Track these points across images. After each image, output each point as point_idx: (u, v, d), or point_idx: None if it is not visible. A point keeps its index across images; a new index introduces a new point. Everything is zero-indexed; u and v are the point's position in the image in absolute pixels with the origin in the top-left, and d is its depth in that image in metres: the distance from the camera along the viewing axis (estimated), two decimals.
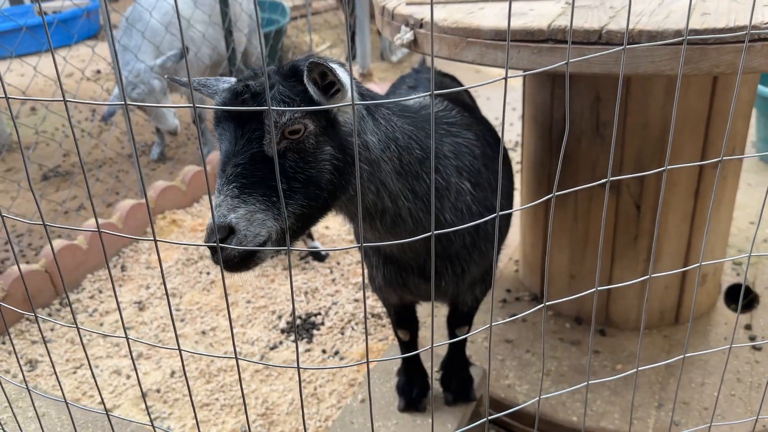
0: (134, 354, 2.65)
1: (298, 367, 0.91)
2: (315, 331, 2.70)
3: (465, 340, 2.08)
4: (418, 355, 2.06)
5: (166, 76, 1.75)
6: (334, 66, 1.23)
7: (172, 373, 2.52)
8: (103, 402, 1.18)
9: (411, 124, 1.50)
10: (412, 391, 1.98)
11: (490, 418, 1.14)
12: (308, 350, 2.60)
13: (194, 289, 3.02)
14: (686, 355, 1.29)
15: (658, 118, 2.03)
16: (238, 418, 2.30)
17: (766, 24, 1.37)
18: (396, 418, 1.94)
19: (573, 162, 2.20)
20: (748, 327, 2.36)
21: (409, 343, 2.01)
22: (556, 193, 1.13)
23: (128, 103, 0.78)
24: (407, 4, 1.93)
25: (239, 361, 2.48)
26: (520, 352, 2.32)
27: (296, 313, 2.81)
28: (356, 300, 2.87)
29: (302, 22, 7.10)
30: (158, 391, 2.44)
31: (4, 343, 2.74)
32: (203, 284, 3.05)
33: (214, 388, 2.44)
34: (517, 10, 1.72)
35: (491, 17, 1.68)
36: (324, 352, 2.58)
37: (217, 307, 2.89)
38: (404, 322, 1.96)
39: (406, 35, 1.81)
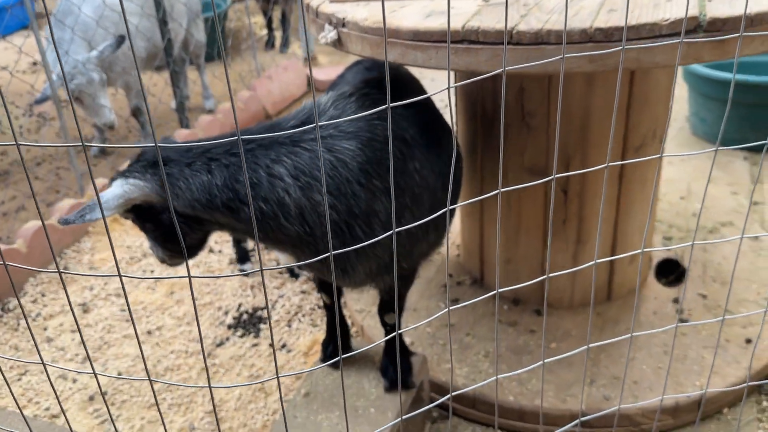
0: (80, 358, 2.64)
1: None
2: (262, 325, 2.73)
3: (398, 328, 2.12)
4: (341, 316, 2.29)
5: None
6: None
7: (119, 374, 2.52)
8: (63, 411, 1.19)
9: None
10: (328, 346, 2.26)
11: (432, 404, 1.19)
12: (255, 345, 2.63)
13: (138, 288, 3.01)
14: (633, 334, 1.37)
15: (579, 107, 2.09)
16: (186, 417, 2.33)
17: (665, 20, 1.43)
18: (339, 410, 1.99)
19: (503, 150, 2.26)
20: (675, 301, 2.48)
21: (330, 306, 2.21)
22: (502, 189, 1.19)
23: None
24: (330, 1, 1.94)
25: (193, 357, 2.49)
26: (460, 336, 2.40)
27: (241, 309, 2.83)
28: (303, 292, 2.90)
29: (242, 6, 6.98)
30: (106, 393, 2.44)
31: None
32: (148, 283, 3.04)
33: (161, 388, 2.45)
34: (436, 9, 1.75)
35: (411, 17, 1.70)
36: (271, 345, 2.62)
37: (162, 306, 2.89)
38: (325, 288, 2.13)
39: (330, 34, 1.83)
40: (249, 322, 2.76)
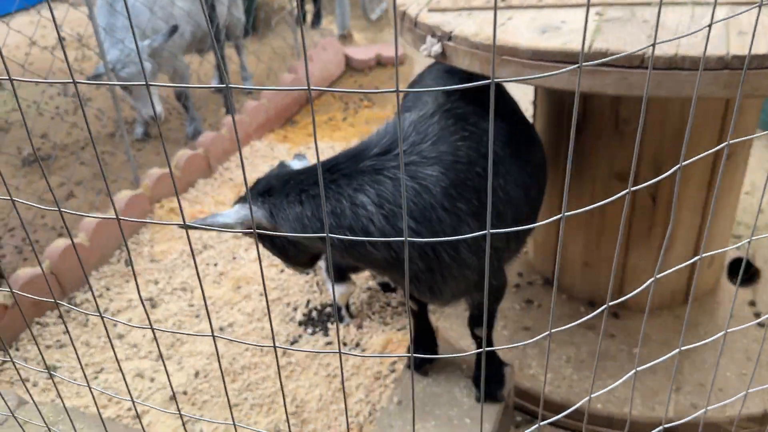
0: (154, 355, 2.66)
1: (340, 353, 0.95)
2: (329, 324, 2.74)
3: (490, 341, 2.13)
4: (427, 322, 2.23)
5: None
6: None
7: (197, 374, 2.54)
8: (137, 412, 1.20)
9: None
10: (416, 353, 2.19)
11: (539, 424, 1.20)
12: (329, 343, 2.65)
13: (204, 282, 3.02)
14: (682, 348, 1.37)
15: (676, 114, 2.06)
16: (269, 418, 2.36)
17: None
18: (433, 419, 2.01)
19: (591, 157, 2.23)
20: (752, 303, 2.48)
21: (416, 312, 2.18)
22: (566, 214, 1.17)
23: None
24: (429, 10, 1.90)
25: (269, 355, 2.52)
26: (539, 340, 2.41)
27: (310, 305, 2.84)
28: (369, 288, 2.91)
29: None
30: (185, 393, 2.47)
31: (18, 350, 2.72)
32: (212, 277, 3.05)
33: (240, 387, 2.48)
34: (548, 23, 1.71)
35: (525, 32, 1.66)
36: (345, 344, 2.64)
37: (230, 301, 2.90)
38: (414, 297, 2.07)
39: (434, 48, 1.79)
40: (318, 320, 2.77)
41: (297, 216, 1.58)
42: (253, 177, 3.72)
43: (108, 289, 3.02)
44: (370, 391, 2.41)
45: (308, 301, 2.86)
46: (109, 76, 3.35)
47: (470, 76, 1.83)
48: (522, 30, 1.68)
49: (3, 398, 1.73)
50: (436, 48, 1.79)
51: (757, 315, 2.42)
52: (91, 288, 1.01)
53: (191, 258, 3.10)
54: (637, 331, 2.40)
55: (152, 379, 2.55)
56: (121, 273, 3.12)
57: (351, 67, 5.24)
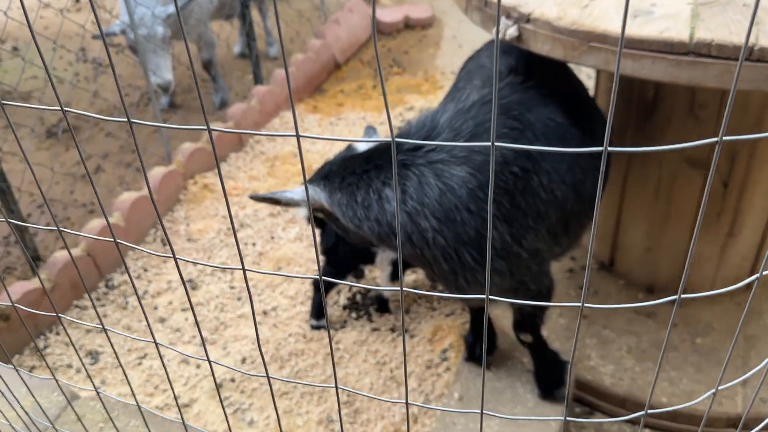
0: (198, 340, 2.61)
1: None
2: (372, 308, 2.67)
3: (541, 343, 2.04)
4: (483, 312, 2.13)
5: None
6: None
7: (243, 360, 2.50)
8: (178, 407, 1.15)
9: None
10: (475, 347, 2.19)
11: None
12: (375, 329, 2.59)
13: (245, 262, 2.95)
14: None
15: (758, 101, 1.94)
16: (321, 407, 2.31)
17: None
18: (498, 418, 1.95)
19: (660, 140, 2.12)
20: None
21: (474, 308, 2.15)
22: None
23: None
24: None
25: (315, 342, 2.44)
26: (597, 328, 2.34)
27: (353, 289, 2.78)
28: (413, 271, 2.83)
29: None
30: (233, 380, 2.43)
31: (58, 333, 2.68)
32: (252, 257, 2.99)
33: (289, 374, 2.43)
34: (638, 5, 1.58)
35: (614, 16, 1.53)
36: (393, 330, 2.58)
37: (272, 283, 2.84)
38: None
39: (510, 30, 1.66)
40: (363, 304, 2.71)
41: (336, 202, 1.64)
42: (285, 150, 3.62)
43: (146, 270, 2.96)
44: (422, 380, 2.36)
45: (350, 286, 2.78)
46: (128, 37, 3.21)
47: (539, 58, 1.69)
48: (611, 13, 1.55)
49: (63, 391, 1.70)
50: (512, 31, 1.66)
51: None
52: (130, 276, 0.93)
53: (229, 237, 3.03)
54: (698, 319, 2.33)
55: (198, 365, 2.50)
56: (159, 251, 3.05)
57: (378, 30, 5.06)
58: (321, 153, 3.64)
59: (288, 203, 1.73)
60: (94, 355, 2.59)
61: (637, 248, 2.40)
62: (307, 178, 1.89)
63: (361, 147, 1.80)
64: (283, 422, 2.27)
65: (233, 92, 4.32)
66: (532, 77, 1.75)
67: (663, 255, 2.36)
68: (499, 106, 1.65)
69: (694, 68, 1.41)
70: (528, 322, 1.94)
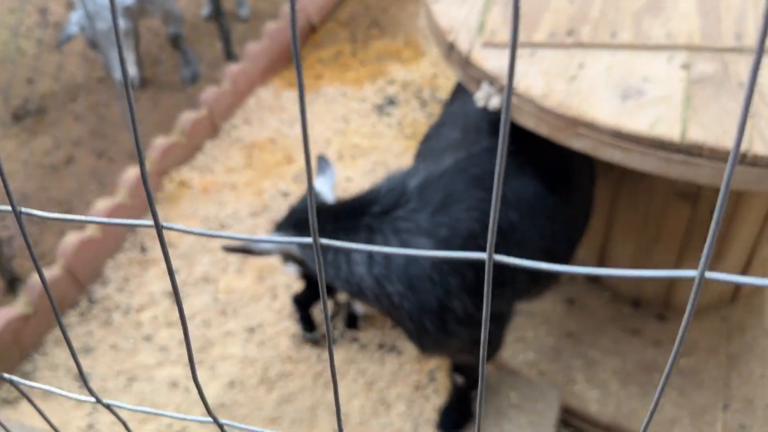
0: (186, 359, 2.61)
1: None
2: (361, 323, 2.66)
3: (468, 386, 2.12)
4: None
5: None
6: None
7: (231, 384, 2.51)
8: None
9: None
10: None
11: None
12: (363, 346, 2.59)
13: (227, 272, 2.91)
14: None
15: None
16: None
17: None
18: None
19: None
20: None
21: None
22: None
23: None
24: (484, 45, 1.64)
25: (303, 363, 2.44)
26: (583, 348, 2.35)
27: (337, 302, 2.75)
28: None
29: None
30: (222, 405, 2.45)
31: (45, 354, 2.67)
32: (236, 266, 2.94)
33: (278, 398, 2.45)
34: (629, 80, 1.47)
35: (602, 95, 1.44)
36: (380, 347, 2.58)
37: (256, 295, 2.81)
38: None
39: (492, 100, 1.56)
40: (347, 320, 2.69)
41: (309, 254, 1.71)
42: (262, 136, 3.50)
43: (127, 281, 2.92)
44: (411, 402, 2.39)
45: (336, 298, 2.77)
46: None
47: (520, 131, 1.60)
48: (600, 89, 1.45)
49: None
50: (495, 102, 1.55)
51: None
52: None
53: (210, 242, 2.97)
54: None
55: (187, 389, 2.51)
56: (138, 261, 2.99)
57: None
58: (300, 138, 3.52)
59: (261, 252, 1.78)
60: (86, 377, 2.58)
61: (624, 265, 2.38)
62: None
63: (320, 185, 1.90)
64: None
65: (204, 62, 4.11)
66: (515, 137, 1.67)
67: None
68: (471, 177, 1.63)
69: (686, 167, 1.34)
70: (468, 370, 2.01)
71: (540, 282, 1.83)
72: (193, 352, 2.45)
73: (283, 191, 3.22)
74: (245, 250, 1.78)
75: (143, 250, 3.02)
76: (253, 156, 3.43)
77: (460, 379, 2.05)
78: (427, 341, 1.69)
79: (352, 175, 3.26)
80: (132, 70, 3.19)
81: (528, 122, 1.51)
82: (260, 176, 3.32)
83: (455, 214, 1.56)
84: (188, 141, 3.34)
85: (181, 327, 2.72)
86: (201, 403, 2.28)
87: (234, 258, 2.96)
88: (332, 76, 3.93)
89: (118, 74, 3.17)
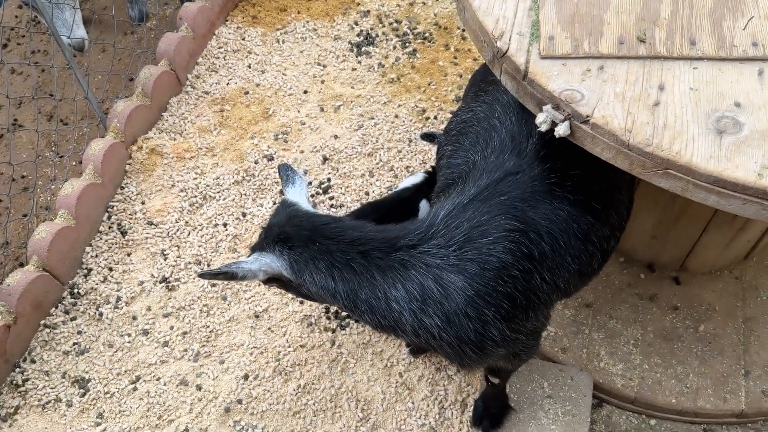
0: (191, 352, 2.48)
1: None
2: None
3: (503, 386, 2.13)
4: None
5: None
6: None
7: (246, 377, 2.41)
8: None
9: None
10: (483, 418, 2.20)
11: None
12: (361, 332, 2.50)
13: (219, 250, 2.72)
14: None
15: None
16: (338, 425, 2.30)
17: None
18: None
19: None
20: None
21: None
22: None
23: None
24: (542, 57, 1.44)
25: (315, 349, 2.36)
26: (603, 320, 2.35)
27: None
28: None
29: None
30: (240, 402, 2.36)
31: (34, 361, 2.49)
32: (227, 242, 2.74)
33: (297, 389, 2.38)
34: (721, 110, 1.32)
35: (699, 136, 1.28)
36: None
37: None
38: None
39: (561, 127, 1.39)
40: None
41: (327, 288, 1.58)
42: (232, 87, 3.19)
43: (111, 269, 2.70)
44: (434, 383, 2.36)
45: None
46: None
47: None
48: (689, 123, 1.30)
49: None
50: (563, 129, 1.39)
51: None
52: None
53: (194, 217, 2.76)
54: (700, 300, 2.36)
55: (199, 387, 2.40)
56: (119, 244, 2.76)
57: None
58: (274, 87, 3.22)
59: (245, 276, 1.63)
60: (81, 384, 2.44)
61: (644, 235, 2.34)
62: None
63: (294, 197, 1.76)
64: None
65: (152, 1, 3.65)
66: (551, 150, 1.55)
67: (669, 242, 2.31)
68: (499, 205, 1.55)
69: (764, 208, 1.24)
70: (503, 373, 2.02)
71: (570, 292, 1.78)
72: (197, 346, 2.33)
73: (267, 153, 2.97)
74: (228, 274, 1.62)
75: (122, 232, 2.78)
76: (225, 113, 3.13)
77: (496, 380, 2.02)
78: (467, 363, 1.66)
79: (338, 132, 3.03)
80: (81, 32, 2.78)
81: (606, 154, 1.36)
82: (238, 136, 3.05)
83: (483, 247, 1.51)
84: (152, 102, 3.01)
85: (180, 317, 2.55)
86: (216, 403, 2.19)
87: (224, 234, 2.76)
88: (299, 8, 3.55)
89: (66, 39, 2.75)
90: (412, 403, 2.34)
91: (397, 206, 2.40)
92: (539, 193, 1.56)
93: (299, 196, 1.77)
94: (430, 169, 2.58)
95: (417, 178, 2.51)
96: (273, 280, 1.69)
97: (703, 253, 2.31)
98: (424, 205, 2.39)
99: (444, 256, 1.52)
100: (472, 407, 2.24)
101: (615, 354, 2.28)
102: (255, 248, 1.68)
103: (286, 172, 1.84)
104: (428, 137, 2.56)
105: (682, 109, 1.32)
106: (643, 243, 2.37)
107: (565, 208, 1.58)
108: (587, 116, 1.34)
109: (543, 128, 1.42)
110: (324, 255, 1.57)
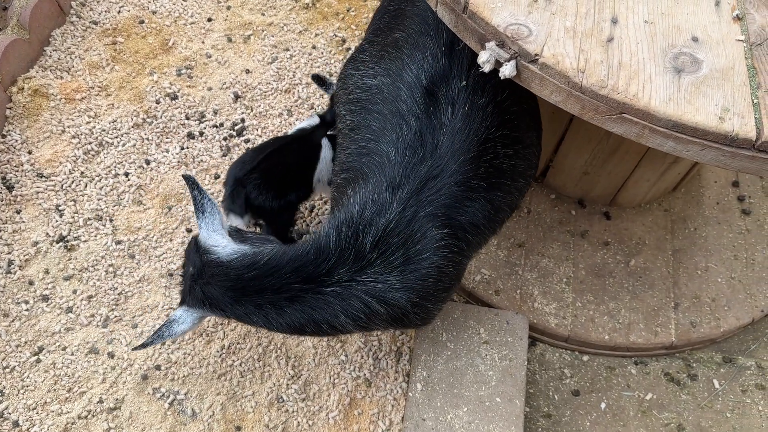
0: (99, 317, 2.27)
1: None
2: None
3: None
4: None
5: None
6: None
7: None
8: None
9: None
10: None
11: None
12: None
13: (122, 203, 2.46)
14: None
15: None
16: (267, 384, 2.17)
17: None
18: (464, 403, 1.95)
19: None
20: (735, 184, 2.45)
21: None
22: None
23: None
24: None
25: None
26: (536, 259, 2.29)
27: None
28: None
29: None
30: (158, 368, 2.19)
31: None
32: (130, 193, 2.48)
33: (221, 350, 2.22)
34: (679, 46, 1.21)
35: (656, 76, 1.17)
36: None
37: (166, 231, 2.42)
38: None
39: (506, 68, 1.24)
40: None
41: (269, 327, 1.67)
42: (124, 15, 2.85)
43: None
44: (367, 335, 2.26)
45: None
46: None
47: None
48: (646, 61, 1.18)
49: None
50: (509, 69, 1.24)
51: (741, 199, 2.41)
52: None
53: (91, 166, 2.49)
54: (629, 235, 2.34)
55: (111, 355, 2.20)
56: (5, 200, 2.44)
57: None
58: (173, 15, 2.88)
59: (177, 334, 1.76)
60: None
61: (574, 171, 2.27)
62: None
63: (206, 232, 1.73)
64: (230, 410, 2.14)
65: None
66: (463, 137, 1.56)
67: (601, 177, 2.25)
68: (426, 217, 1.56)
69: (753, 162, 1.16)
70: None
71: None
72: (106, 310, 2.18)
73: (169, 91, 2.68)
74: (160, 335, 1.76)
75: (8, 186, 2.46)
76: (119, 46, 2.78)
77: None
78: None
79: (250, 66, 2.76)
80: None
81: (554, 97, 1.23)
82: (135, 72, 2.72)
83: (422, 263, 1.55)
84: (32, 35, 2.62)
85: (83, 280, 2.39)
86: (132, 371, 2.08)
87: (126, 185, 2.49)
88: None
89: None
90: (345, 356, 2.23)
91: (298, 141, 2.23)
92: (459, 191, 1.56)
93: (213, 228, 1.73)
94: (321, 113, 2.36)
95: (313, 120, 2.30)
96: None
97: (634, 188, 2.27)
98: (326, 142, 2.22)
99: (388, 281, 1.56)
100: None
101: (548, 293, 2.24)
102: (182, 300, 1.76)
103: (193, 192, 1.75)
104: (320, 81, 2.32)
105: (637, 45, 1.20)
106: (574, 179, 2.30)
107: (481, 195, 1.60)
108: (536, 55, 1.20)
109: (486, 68, 1.26)
110: (255, 310, 1.62)
